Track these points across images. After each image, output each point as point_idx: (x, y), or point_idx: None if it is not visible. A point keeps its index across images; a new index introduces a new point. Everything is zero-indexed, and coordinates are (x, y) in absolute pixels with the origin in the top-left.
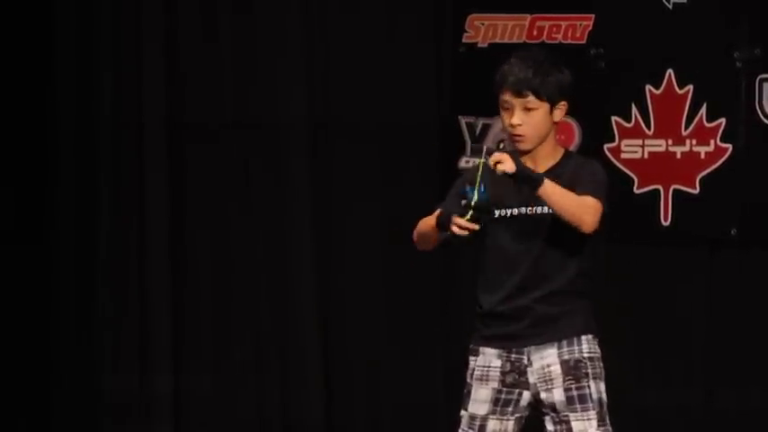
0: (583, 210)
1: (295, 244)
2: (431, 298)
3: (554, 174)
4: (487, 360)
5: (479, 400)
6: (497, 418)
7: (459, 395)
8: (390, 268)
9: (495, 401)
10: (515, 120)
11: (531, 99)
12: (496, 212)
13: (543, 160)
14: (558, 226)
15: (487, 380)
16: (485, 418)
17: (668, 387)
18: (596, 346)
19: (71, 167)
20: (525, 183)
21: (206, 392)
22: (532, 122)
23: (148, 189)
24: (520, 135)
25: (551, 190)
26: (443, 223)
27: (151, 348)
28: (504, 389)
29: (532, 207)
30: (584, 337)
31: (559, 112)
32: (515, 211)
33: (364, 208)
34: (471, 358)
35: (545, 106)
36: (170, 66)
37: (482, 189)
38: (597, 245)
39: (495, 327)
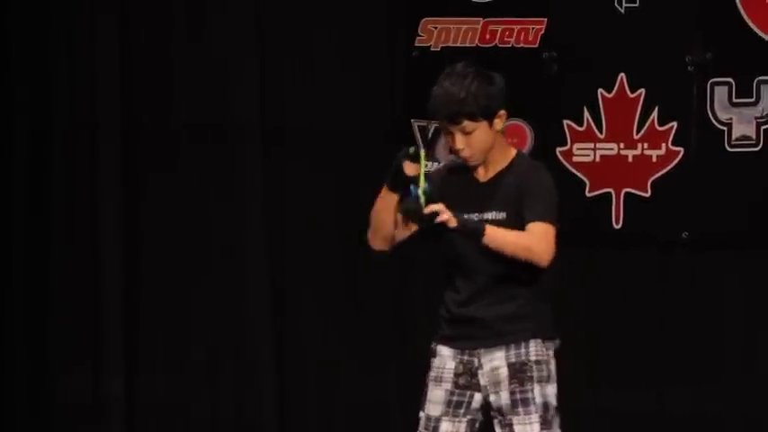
0: (532, 250)
1: (249, 246)
2: (384, 299)
3: (502, 179)
4: (443, 362)
5: (433, 401)
6: (449, 420)
7: (413, 396)
8: (344, 270)
9: (448, 403)
10: (458, 145)
11: (467, 123)
12: None
13: (493, 165)
14: (513, 228)
15: (441, 381)
16: (438, 420)
17: (620, 388)
18: (546, 350)
19: (24, 167)
20: (468, 237)
21: (159, 395)
22: (475, 143)
23: (102, 189)
24: (466, 157)
25: (495, 237)
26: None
27: (104, 350)
28: (457, 390)
29: (484, 212)
30: (532, 341)
31: (500, 121)
32: (469, 216)
33: (317, 210)
34: (432, 360)
35: (483, 124)
36: (124, 67)
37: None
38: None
39: (451, 328)
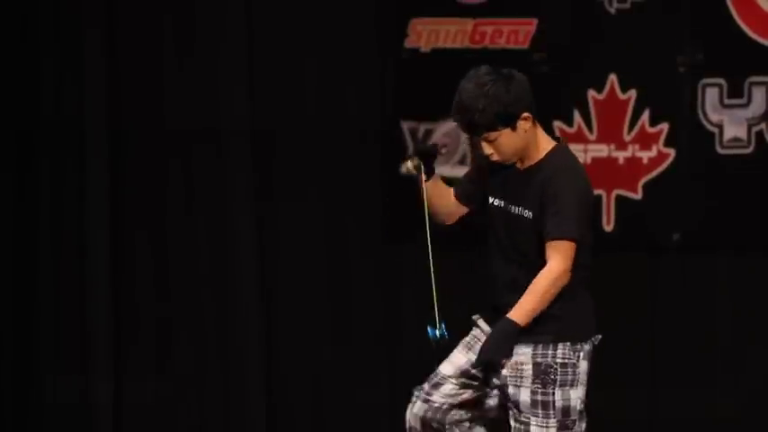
0: (553, 289)
1: (238, 249)
2: (374, 301)
3: (535, 173)
4: (482, 334)
5: (452, 361)
6: (456, 384)
7: (403, 399)
8: (334, 272)
9: (465, 372)
10: (486, 151)
11: (489, 134)
12: (491, 199)
13: (528, 159)
14: (538, 231)
15: (470, 350)
16: (445, 378)
17: (613, 390)
18: (574, 353)
19: (12, 169)
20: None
21: (147, 397)
22: (502, 148)
23: (89, 192)
24: (498, 161)
25: (524, 316)
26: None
27: (93, 353)
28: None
29: (516, 206)
30: (560, 344)
31: (524, 123)
32: (500, 202)
33: (307, 212)
34: (473, 329)
35: (505, 131)
36: (111, 69)
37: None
38: (586, 252)
39: (491, 312)
